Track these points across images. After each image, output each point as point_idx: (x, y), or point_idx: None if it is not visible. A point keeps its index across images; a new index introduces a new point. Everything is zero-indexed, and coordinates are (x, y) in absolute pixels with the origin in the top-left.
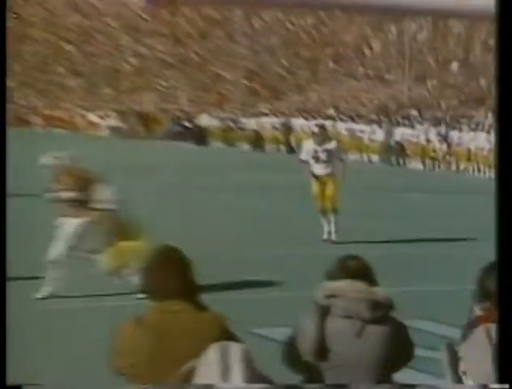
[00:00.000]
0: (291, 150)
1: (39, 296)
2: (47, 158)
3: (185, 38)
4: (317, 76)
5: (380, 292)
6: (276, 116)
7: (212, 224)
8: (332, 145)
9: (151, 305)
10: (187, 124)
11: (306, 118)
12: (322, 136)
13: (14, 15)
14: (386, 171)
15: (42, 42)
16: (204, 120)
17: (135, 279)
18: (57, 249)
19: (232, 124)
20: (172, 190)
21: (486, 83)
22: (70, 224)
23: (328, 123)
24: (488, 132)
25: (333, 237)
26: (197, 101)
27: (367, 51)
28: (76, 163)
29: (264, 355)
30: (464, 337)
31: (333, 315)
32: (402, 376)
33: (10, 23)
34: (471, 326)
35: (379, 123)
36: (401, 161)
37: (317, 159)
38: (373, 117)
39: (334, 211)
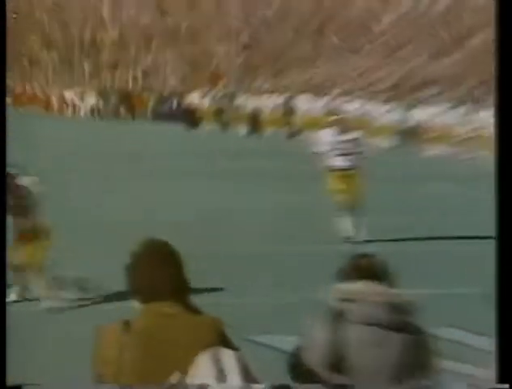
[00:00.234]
0: (293, 134)
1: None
2: None
3: (173, 8)
4: (320, 51)
5: (401, 295)
6: (277, 94)
7: (204, 215)
8: (355, 135)
9: (138, 308)
10: (175, 104)
11: (311, 98)
12: (342, 124)
13: None
14: (401, 157)
15: (10, 9)
16: (194, 99)
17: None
18: None
19: (226, 104)
20: (159, 178)
21: None
22: None
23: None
24: None
25: (355, 235)
26: (186, 78)
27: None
28: None
29: (264, 365)
30: None
31: (349, 321)
32: None
33: None
34: None
35: (393, 104)
36: (418, 146)
37: (336, 151)
38: (386, 96)
39: (358, 207)
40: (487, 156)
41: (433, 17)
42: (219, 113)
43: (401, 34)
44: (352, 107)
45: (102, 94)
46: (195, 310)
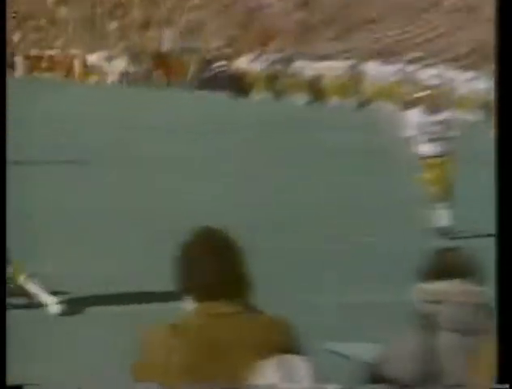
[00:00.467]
0: (362, 104)
1: None
2: None
3: None
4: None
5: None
6: (341, 59)
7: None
8: (445, 115)
9: (190, 308)
10: (220, 69)
11: (381, 63)
12: (432, 103)
13: None
14: (488, 135)
15: None
16: (243, 63)
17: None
18: None
19: (280, 69)
20: (203, 156)
21: None
22: None
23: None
24: None
25: (449, 228)
26: (233, 39)
27: None
28: None
29: (339, 375)
30: None
31: (440, 327)
32: None
33: None
34: None
35: (476, 71)
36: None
37: (426, 134)
38: (468, 62)
39: (449, 197)
40: None
41: None
42: (272, 80)
43: None
44: (428, 74)
45: (133, 57)
46: (257, 310)
